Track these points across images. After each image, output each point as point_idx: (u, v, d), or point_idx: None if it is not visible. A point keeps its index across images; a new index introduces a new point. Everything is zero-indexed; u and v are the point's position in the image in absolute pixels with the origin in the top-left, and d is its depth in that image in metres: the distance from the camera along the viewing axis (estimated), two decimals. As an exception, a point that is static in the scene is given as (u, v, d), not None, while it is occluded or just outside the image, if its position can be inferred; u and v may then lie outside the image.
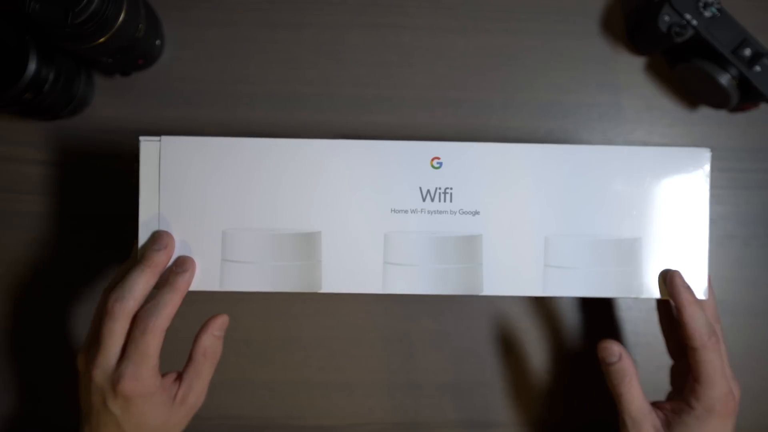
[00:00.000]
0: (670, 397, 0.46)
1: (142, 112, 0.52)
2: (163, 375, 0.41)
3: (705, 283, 0.43)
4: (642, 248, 0.42)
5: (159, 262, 0.40)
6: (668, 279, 0.42)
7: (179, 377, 0.42)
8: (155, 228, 0.42)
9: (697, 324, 0.40)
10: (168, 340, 0.49)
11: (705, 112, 0.53)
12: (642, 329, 0.52)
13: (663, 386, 0.47)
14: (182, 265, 0.41)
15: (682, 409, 0.42)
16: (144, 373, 0.39)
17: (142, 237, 0.42)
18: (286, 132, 0.52)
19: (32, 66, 0.43)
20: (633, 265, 0.42)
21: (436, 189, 0.42)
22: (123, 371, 0.38)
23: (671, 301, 0.42)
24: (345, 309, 0.52)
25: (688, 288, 0.41)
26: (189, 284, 0.41)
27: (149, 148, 0.42)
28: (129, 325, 0.39)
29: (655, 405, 0.43)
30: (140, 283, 0.39)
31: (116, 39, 0.44)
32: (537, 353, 0.52)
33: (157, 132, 0.48)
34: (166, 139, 0.42)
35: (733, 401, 0.42)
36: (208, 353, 0.42)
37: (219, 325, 0.43)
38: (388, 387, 0.52)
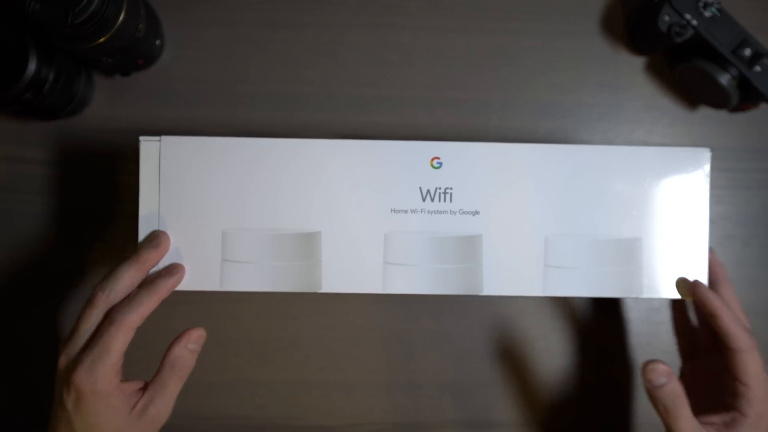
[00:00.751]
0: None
1: (142, 112, 0.52)
2: (127, 380, 0.39)
3: (705, 284, 0.43)
4: (642, 248, 0.42)
5: (149, 259, 0.40)
6: (694, 290, 0.41)
7: (144, 387, 0.40)
8: (155, 227, 0.42)
9: (737, 327, 0.40)
10: (163, 342, 0.48)
11: (705, 112, 0.53)
12: (642, 329, 0.52)
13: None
14: (171, 270, 0.41)
15: (734, 419, 0.40)
16: (100, 369, 0.36)
17: (142, 237, 0.42)
18: (286, 132, 0.52)
19: (32, 66, 0.43)
20: (633, 265, 0.42)
21: (436, 189, 0.42)
22: (80, 360, 0.36)
23: (697, 308, 0.41)
24: (345, 309, 0.52)
25: (715, 294, 0.41)
26: (170, 290, 0.40)
27: (149, 148, 0.42)
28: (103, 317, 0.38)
29: (702, 421, 0.40)
30: (125, 277, 0.39)
31: (116, 39, 0.44)
32: (537, 353, 0.52)
33: (157, 132, 0.48)
34: (166, 139, 0.42)
35: None
36: (177, 365, 0.40)
37: (195, 339, 0.40)
38: (388, 387, 0.52)
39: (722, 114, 0.53)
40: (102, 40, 0.43)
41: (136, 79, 0.52)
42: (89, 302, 0.38)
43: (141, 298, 0.38)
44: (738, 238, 0.53)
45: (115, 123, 0.52)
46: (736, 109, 0.52)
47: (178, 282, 0.41)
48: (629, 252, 0.42)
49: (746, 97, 0.49)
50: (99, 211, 0.51)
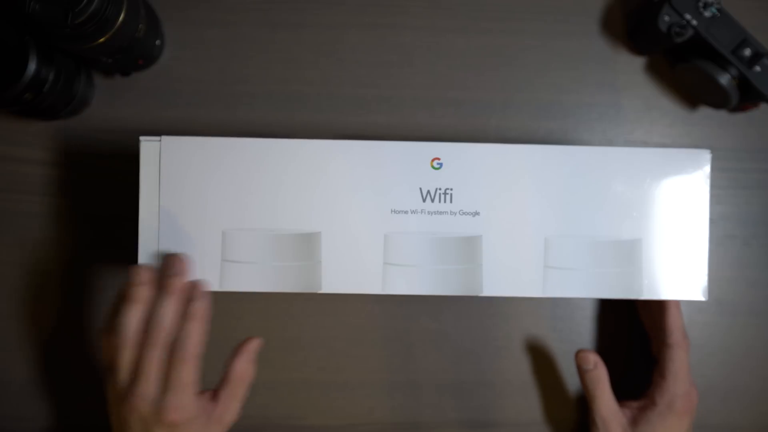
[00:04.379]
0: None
1: (142, 112, 0.52)
2: (201, 392, 0.42)
3: (704, 283, 0.43)
4: (642, 249, 0.42)
5: (179, 287, 0.41)
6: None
7: (215, 396, 0.43)
8: (155, 227, 0.42)
9: (678, 324, 0.46)
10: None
11: (705, 112, 0.53)
12: (642, 329, 0.52)
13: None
14: (194, 293, 0.41)
15: (646, 406, 0.46)
16: (187, 401, 0.40)
17: (143, 237, 0.42)
18: (286, 132, 0.52)
19: (32, 66, 0.43)
20: (633, 266, 0.42)
21: (436, 190, 0.42)
22: (167, 402, 0.39)
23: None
24: (345, 309, 0.52)
25: None
26: (208, 310, 0.42)
27: (149, 148, 0.42)
28: (165, 355, 0.40)
29: (624, 404, 0.47)
30: (169, 312, 0.40)
31: (116, 39, 0.44)
32: (537, 353, 0.52)
33: (157, 132, 0.48)
34: (166, 139, 0.42)
35: (691, 402, 0.46)
36: (244, 378, 0.44)
37: (254, 349, 0.44)
38: (388, 387, 0.52)
39: (722, 114, 0.53)
40: (102, 40, 0.43)
41: (136, 79, 0.52)
42: (149, 345, 0.40)
43: (191, 330, 0.40)
44: (738, 238, 0.53)
45: (115, 123, 0.52)
46: (736, 109, 0.52)
47: (208, 302, 0.42)
48: (629, 253, 0.42)
49: (746, 97, 0.49)
50: (99, 211, 0.51)
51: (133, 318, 0.40)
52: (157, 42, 0.50)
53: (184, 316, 0.41)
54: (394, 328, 0.52)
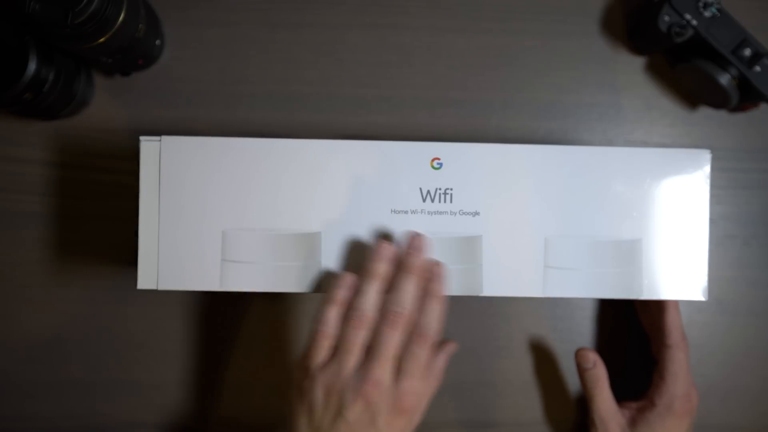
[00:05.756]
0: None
1: (142, 112, 0.52)
2: None
3: (704, 283, 0.43)
4: (642, 249, 0.42)
5: (421, 266, 0.40)
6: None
7: None
8: (155, 227, 0.42)
9: (677, 324, 0.46)
10: (162, 342, 0.49)
11: (705, 112, 0.53)
12: (642, 329, 0.52)
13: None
14: (433, 271, 0.40)
15: (645, 407, 0.46)
16: (422, 387, 0.39)
17: (143, 237, 0.42)
18: (286, 132, 0.52)
19: (32, 66, 0.43)
20: (633, 266, 0.42)
21: (437, 190, 0.42)
22: (405, 387, 0.38)
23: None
24: (345, 309, 0.52)
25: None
26: (444, 289, 0.41)
27: (149, 148, 0.42)
28: (404, 336, 0.39)
29: (623, 405, 0.47)
30: (411, 292, 0.39)
31: (116, 39, 0.44)
32: (537, 353, 0.52)
33: (157, 132, 0.48)
34: (166, 139, 0.42)
35: (690, 402, 0.46)
36: (441, 376, 0.43)
37: (453, 351, 0.46)
38: (388, 387, 0.52)
39: (722, 114, 0.53)
40: (102, 40, 0.43)
41: (136, 79, 0.52)
42: (390, 325, 0.38)
43: (434, 313, 0.39)
44: (738, 238, 0.53)
45: (115, 123, 0.52)
46: (736, 109, 0.52)
47: (444, 280, 0.41)
48: (629, 253, 0.42)
49: (746, 97, 0.49)
50: (99, 211, 0.51)
51: (374, 296, 0.39)
52: (157, 42, 0.50)
53: (424, 296, 0.40)
54: (394, 328, 0.52)
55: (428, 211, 0.42)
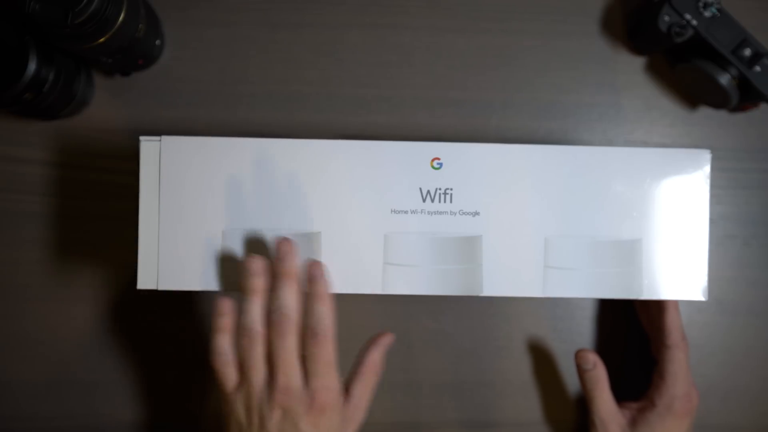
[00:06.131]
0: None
1: (142, 112, 0.52)
2: None
3: (704, 283, 0.43)
4: (642, 249, 0.42)
5: (296, 270, 0.41)
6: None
7: (346, 390, 0.42)
8: (155, 227, 0.42)
9: (676, 324, 0.46)
10: (162, 342, 0.49)
11: (705, 112, 0.53)
12: (642, 329, 0.52)
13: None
14: (313, 272, 0.41)
15: (645, 407, 0.46)
16: (334, 381, 0.40)
17: (143, 237, 0.42)
18: (286, 132, 0.52)
19: (32, 66, 0.43)
20: (633, 266, 0.42)
21: (436, 190, 0.42)
22: (315, 385, 0.39)
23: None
24: (345, 309, 0.52)
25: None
26: (330, 288, 0.41)
27: (149, 148, 0.42)
28: (298, 341, 0.40)
29: (623, 405, 0.47)
30: (292, 298, 0.40)
31: (116, 39, 0.44)
32: (537, 353, 0.52)
33: (157, 132, 0.48)
34: (166, 139, 0.42)
35: (690, 403, 0.46)
36: (378, 369, 0.43)
37: (387, 343, 0.44)
38: (388, 387, 0.52)
39: (722, 114, 0.53)
40: (102, 40, 0.43)
41: (136, 79, 0.52)
42: (280, 335, 0.39)
43: (321, 310, 0.40)
44: (738, 238, 0.53)
45: (115, 123, 0.52)
46: (736, 109, 0.52)
47: (326, 278, 0.41)
48: (629, 253, 0.42)
49: (746, 97, 0.49)
50: (99, 211, 0.51)
51: (257, 311, 0.40)
52: (157, 42, 0.50)
53: (309, 298, 0.40)
54: (394, 328, 0.52)
55: (428, 211, 0.42)
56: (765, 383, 0.53)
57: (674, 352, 0.46)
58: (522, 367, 0.52)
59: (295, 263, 0.41)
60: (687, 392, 0.46)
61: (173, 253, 0.42)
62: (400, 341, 0.52)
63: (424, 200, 0.42)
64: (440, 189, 0.42)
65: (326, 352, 0.39)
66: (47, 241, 0.51)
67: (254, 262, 0.40)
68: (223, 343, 0.40)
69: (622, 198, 0.42)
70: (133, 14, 0.44)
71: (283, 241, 0.41)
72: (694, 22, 0.48)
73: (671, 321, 0.46)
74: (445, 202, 0.42)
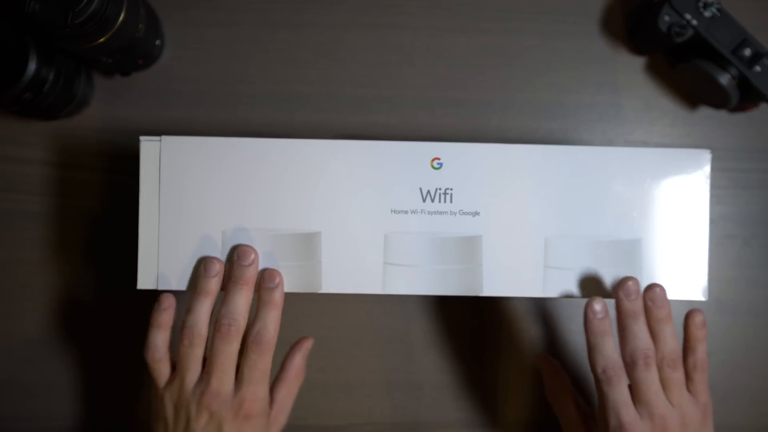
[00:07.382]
0: None
1: (142, 112, 0.52)
2: None
3: (704, 283, 0.43)
4: (642, 249, 0.42)
5: (251, 277, 0.41)
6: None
7: (270, 396, 0.43)
8: (155, 227, 0.42)
9: (597, 359, 0.40)
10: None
11: (705, 112, 0.53)
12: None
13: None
14: (271, 280, 0.41)
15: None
16: (263, 392, 0.40)
17: (143, 237, 0.42)
18: (286, 132, 0.52)
19: (32, 66, 0.43)
20: (633, 266, 0.42)
21: (437, 189, 0.42)
22: (245, 394, 0.39)
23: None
24: (345, 309, 0.52)
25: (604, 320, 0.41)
26: (283, 296, 0.42)
27: (149, 148, 0.42)
28: (238, 347, 0.40)
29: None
30: (242, 303, 0.40)
31: (116, 39, 0.44)
32: (537, 353, 0.52)
33: (157, 132, 0.48)
34: (166, 139, 0.42)
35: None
36: (301, 374, 0.44)
37: (308, 348, 0.45)
38: (388, 387, 0.52)
39: (722, 114, 0.53)
40: (102, 40, 0.43)
41: (136, 79, 0.52)
42: (224, 338, 0.39)
43: (269, 318, 0.40)
44: (738, 238, 0.53)
45: (115, 123, 0.52)
46: (736, 109, 0.52)
47: (282, 288, 0.42)
48: (629, 253, 0.42)
49: (746, 97, 0.49)
50: (99, 211, 0.51)
51: (204, 313, 0.40)
52: (157, 42, 0.50)
53: (261, 304, 0.41)
54: (394, 328, 0.52)
55: (428, 211, 0.42)
56: (765, 383, 0.53)
57: (602, 386, 0.40)
58: (522, 367, 0.52)
59: (252, 270, 0.41)
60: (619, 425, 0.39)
61: (173, 253, 0.42)
62: (400, 341, 0.52)
63: (424, 200, 0.42)
64: (440, 189, 0.42)
65: (264, 361, 0.40)
66: (47, 241, 0.51)
67: (211, 263, 0.41)
68: (159, 339, 0.41)
69: (622, 198, 0.42)
70: (133, 14, 0.44)
71: (242, 247, 0.41)
72: (694, 22, 0.48)
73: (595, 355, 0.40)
74: (445, 202, 0.42)
